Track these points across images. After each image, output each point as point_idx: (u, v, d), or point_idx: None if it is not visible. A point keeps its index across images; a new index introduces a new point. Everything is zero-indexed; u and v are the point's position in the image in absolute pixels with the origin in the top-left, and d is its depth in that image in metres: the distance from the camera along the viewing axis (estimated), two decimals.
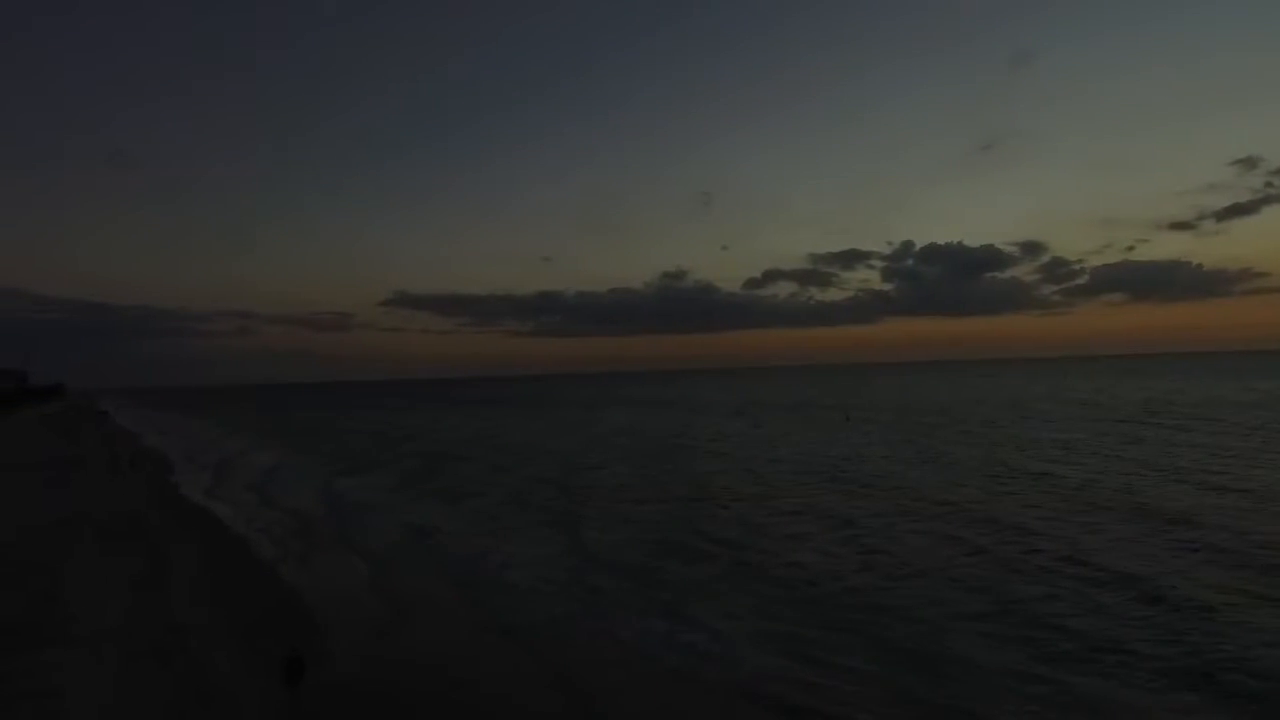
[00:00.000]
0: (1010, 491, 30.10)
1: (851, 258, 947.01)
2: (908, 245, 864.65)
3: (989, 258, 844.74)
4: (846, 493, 31.35)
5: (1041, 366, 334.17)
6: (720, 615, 16.81)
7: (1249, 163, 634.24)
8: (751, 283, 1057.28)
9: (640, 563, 21.69)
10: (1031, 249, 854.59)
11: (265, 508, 32.46)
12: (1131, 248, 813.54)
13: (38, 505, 29.86)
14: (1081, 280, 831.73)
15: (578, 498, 32.75)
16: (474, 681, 13.64)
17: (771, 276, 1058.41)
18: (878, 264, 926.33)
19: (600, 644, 15.66)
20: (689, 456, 46.66)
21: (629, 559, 22.11)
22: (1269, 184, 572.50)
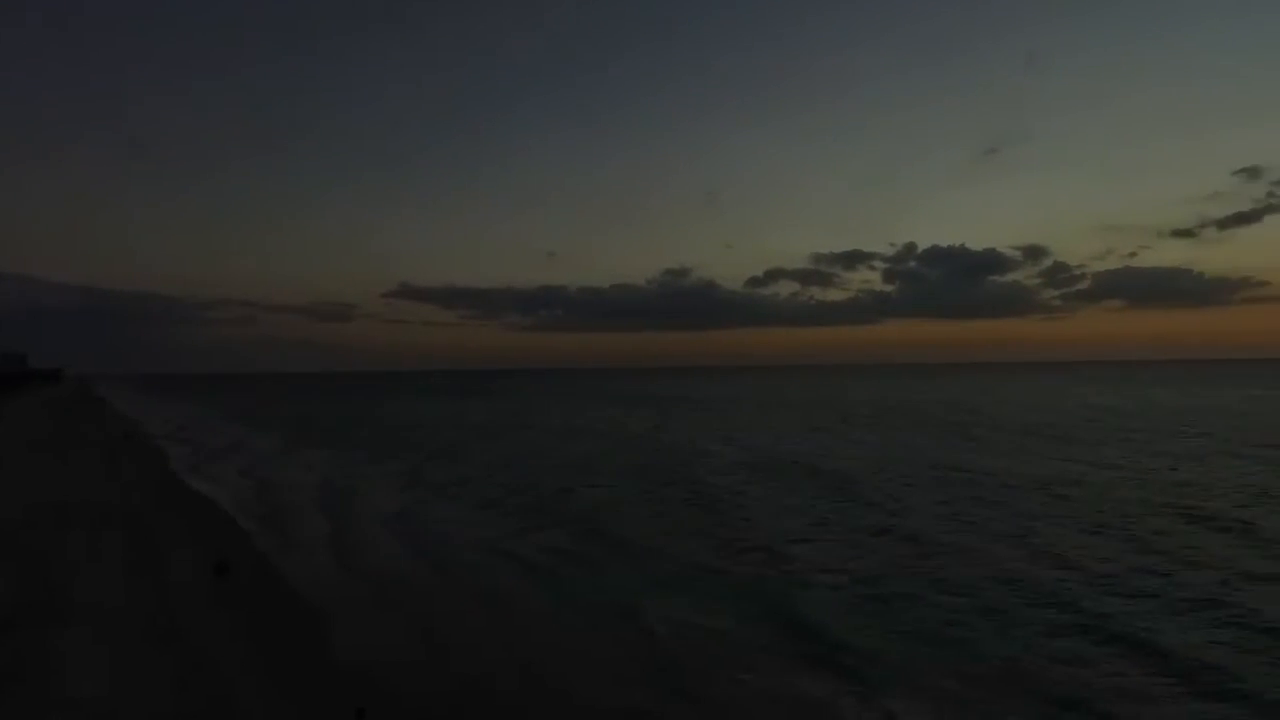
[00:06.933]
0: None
1: (854, 258, 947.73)
2: (910, 247, 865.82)
3: (991, 261, 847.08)
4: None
5: (1041, 371, 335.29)
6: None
7: (1252, 172, 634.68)
8: (754, 281, 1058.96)
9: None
10: (1034, 253, 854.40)
11: (249, 483, 35.34)
12: (1134, 254, 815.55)
13: (34, 487, 30.27)
14: (1083, 285, 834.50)
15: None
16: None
17: (774, 275, 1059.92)
18: (880, 265, 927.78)
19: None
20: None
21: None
22: (1271, 194, 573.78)
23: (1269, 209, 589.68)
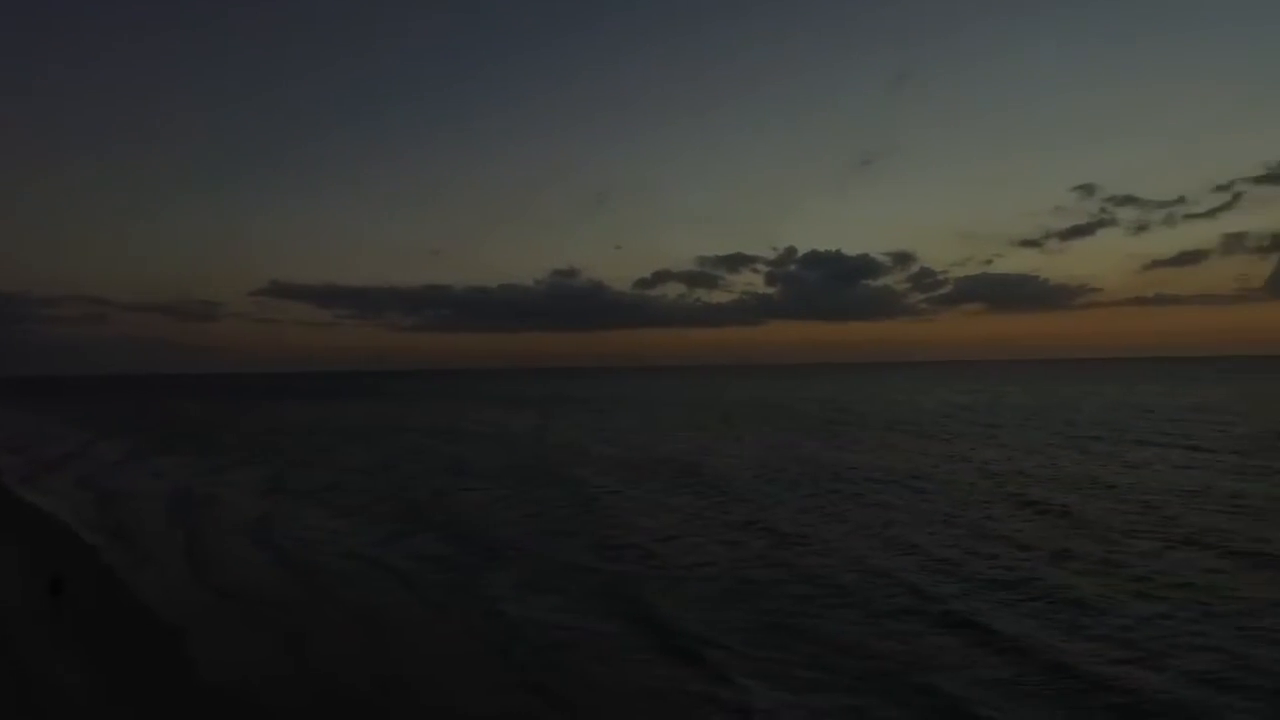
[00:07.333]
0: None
1: (737, 261, 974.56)
2: (791, 251, 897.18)
3: (865, 266, 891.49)
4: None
5: (908, 371, 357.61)
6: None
7: (1087, 189, 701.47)
8: (642, 283, 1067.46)
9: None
10: (903, 259, 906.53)
11: (90, 494, 33.37)
12: (989, 261, 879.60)
13: None
14: (946, 290, 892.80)
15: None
16: None
17: (661, 277, 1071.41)
18: (762, 268, 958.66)
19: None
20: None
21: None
22: (1103, 209, 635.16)
23: (1101, 223, 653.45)
